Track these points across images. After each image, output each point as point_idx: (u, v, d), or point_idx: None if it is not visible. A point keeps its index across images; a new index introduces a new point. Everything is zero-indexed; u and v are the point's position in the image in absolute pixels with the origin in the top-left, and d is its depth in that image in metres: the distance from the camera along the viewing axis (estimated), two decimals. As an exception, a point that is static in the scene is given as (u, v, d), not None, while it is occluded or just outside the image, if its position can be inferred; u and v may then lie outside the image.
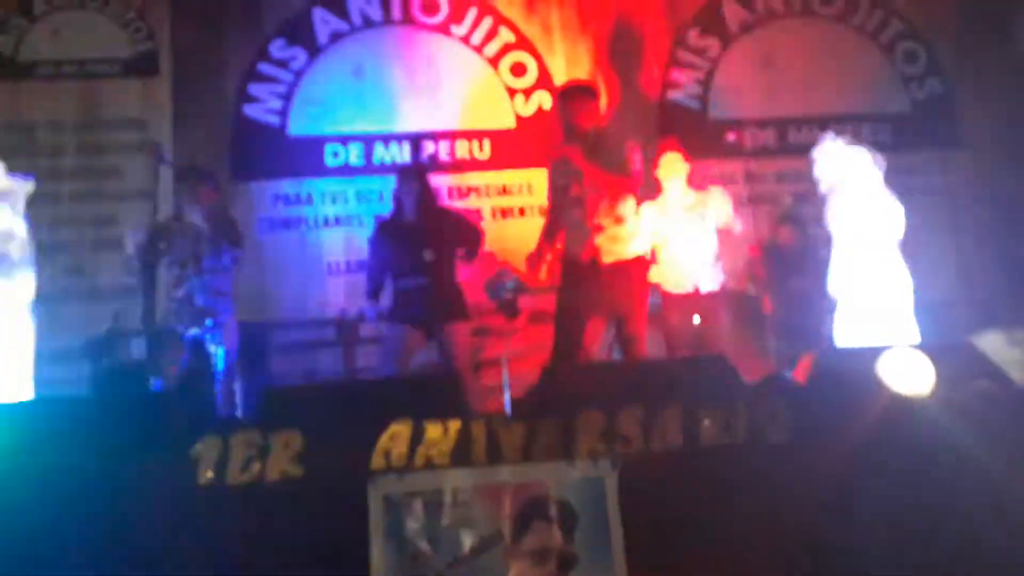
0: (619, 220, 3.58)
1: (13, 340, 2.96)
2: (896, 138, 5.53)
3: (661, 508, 2.44)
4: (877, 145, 3.54)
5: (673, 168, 4.08)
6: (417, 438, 2.49)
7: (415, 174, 4.27)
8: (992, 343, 3.12)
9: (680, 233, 3.99)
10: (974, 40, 5.71)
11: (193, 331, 3.89)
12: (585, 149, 3.62)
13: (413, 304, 3.97)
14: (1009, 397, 2.69)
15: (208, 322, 3.88)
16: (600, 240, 3.55)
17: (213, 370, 3.90)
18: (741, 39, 5.74)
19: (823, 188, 3.42)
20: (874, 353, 2.72)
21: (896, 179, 3.61)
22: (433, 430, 2.49)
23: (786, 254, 4.52)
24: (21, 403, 2.79)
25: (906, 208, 3.60)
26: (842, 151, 3.40)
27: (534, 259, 3.75)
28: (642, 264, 3.68)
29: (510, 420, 2.56)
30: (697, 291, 3.96)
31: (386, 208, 4.72)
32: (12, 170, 3.07)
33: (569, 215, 3.66)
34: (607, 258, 3.55)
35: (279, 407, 2.64)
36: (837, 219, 3.37)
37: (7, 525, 2.38)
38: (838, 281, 3.48)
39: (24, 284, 3.05)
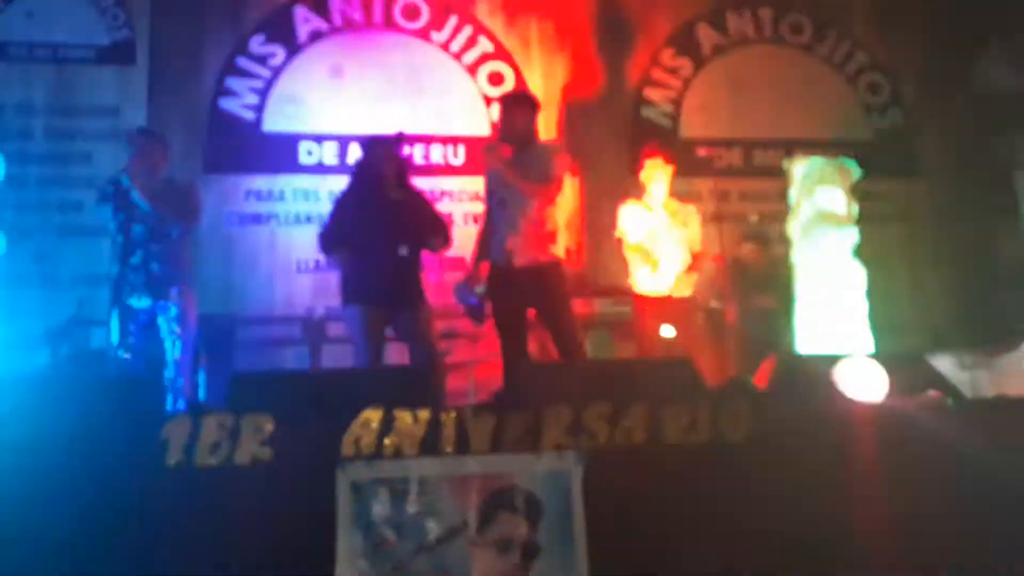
0: (535, 224, 3.61)
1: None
2: (857, 165, 5.72)
3: (624, 502, 2.49)
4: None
5: (656, 171, 4.22)
6: (387, 426, 2.51)
7: (396, 144, 3.98)
8: (943, 365, 3.26)
9: (661, 236, 4.12)
10: (935, 73, 5.95)
11: (146, 304, 3.73)
12: (511, 156, 3.66)
13: (377, 284, 3.69)
14: (957, 409, 2.81)
15: (166, 291, 3.72)
16: (514, 243, 3.59)
17: (170, 349, 3.74)
18: (713, 61, 5.90)
19: (790, 204, 3.55)
20: (831, 360, 2.83)
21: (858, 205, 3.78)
22: (403, 419, 2.52)
23: (749, 270, 4.68)
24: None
25: (865, 233, 3.77)
26: (810, 170, 3.53)
27: (474, 266, 3.75)
28: (557, 266, 3.66)
29: (479, 412, 2.60)
30: (670, 296, 4.07)
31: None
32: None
33: (496, 219, 3.70)
34: (526, 261, 3.58)
35: (249, 394, 2.65)
36: (801, 235, 3.51)
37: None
38: (799, 295, 3.62)
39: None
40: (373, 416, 2.51)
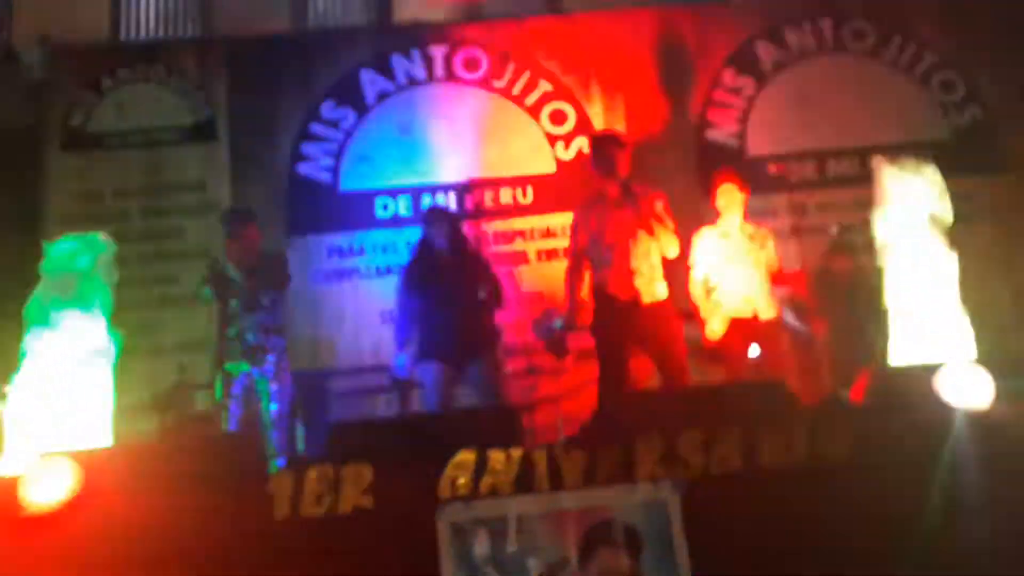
0: (655, 263, 3.86)
1: (95, 391, 3.13)
2: (937, 165, 5.54)
3: (725, 529, 2.46)
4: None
5: (731, 197, 4.27)
6: (481, 467, 2.56)
7: (443, 214, 4.44)
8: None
9: (740, 260, 4.15)
10: (1011, 64, 5.73)
11: (244, 368, 3.97)
12: (617, 196, 3.87)
13: (443, 340, 4.01)
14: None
15: (262, 359, 3.97)
16: (639, 282, 3.80)
17: (268, 408, 3.96)
18: (775, 77, 5.85)
19: (877, 210, 3.46)
20: (930, 369, 2.73)
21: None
22: (496, 459, 2.56)
23: (838, 281, 4.57)
24: (101, 449, 2.92)
25: (955, 234, 3.63)
26: (900, 174, 3.45)
27: (575, 302, 3.98)
28: (670, 304, 3.91)
29: (570, 447, 2.61)
30: (756, 317, 4.03)
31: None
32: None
33: (603, 257, 3.88)
34: (645, 299, 3.79)
35: (346, 442, 2.74)
36: (891, 241, 3.41)
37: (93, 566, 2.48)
38: (891, 304, 3.50)
39: (102, 338, 3.24)
40: (467, 457, 2.56)
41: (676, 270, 4.12)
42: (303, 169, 5.55)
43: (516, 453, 2.57)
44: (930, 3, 5.98)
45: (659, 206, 3.93)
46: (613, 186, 3.93)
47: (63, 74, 5.56)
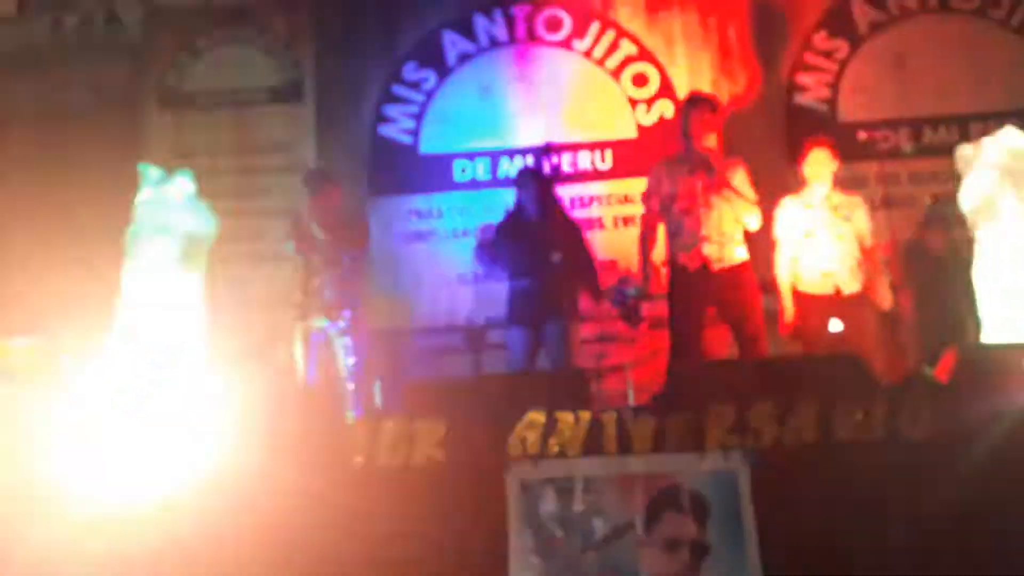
0: (727, 231, 3.77)
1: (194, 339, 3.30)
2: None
3: (795, 502, 2.44)
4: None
5: (820, 165, 4.07)
6: (551, 428, 2.59)
7: (532, 176, 4.51)
8: None
9: (826, 231, 3.98)
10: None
11: (322, 323, 4.11)
12: (702, 161, 3.79)
13: (528, 304, 4.10)
14: None
15: (339, 315, 4.09)
16: (709, 249, 3.74)
17: (344, 363, 4.10)
18: (871, 39, 5.58)
19: (972, 182, 3.30)
20: (1021, 350, 2.61)
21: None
22: (565, 420, 2.59)
23: (931, 255, 4.39)
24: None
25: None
26: (1000, 143, 3.28)
27: (648, 269, 3.97)
28: (748, 268, 3.82)
29: (640, 413, 2.62)
30: (839, 292, 3.90)
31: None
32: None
33: (678, 224, 3.82)
34: (716, 265, 3.74)
35: (422, 399, 2.82)
36: (986, 215, 3.25)
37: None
38: (983, 281, 3.35)
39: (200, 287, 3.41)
40: (537, 418, 2.60)
41: (758, 240, 4.02)
42: (384, 131, 5.63)
43: (585, 416, 2.60)
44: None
45: (738, 174, 3.83)
46: (687, 150, 3.85)
47: (161, 34, 5.77)
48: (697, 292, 3.74)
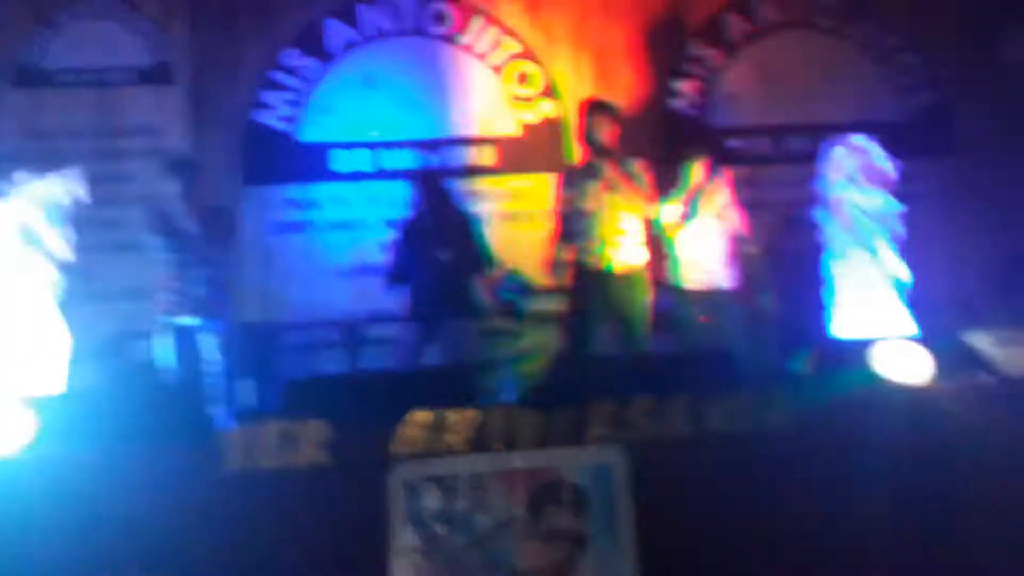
0: (626, 232, 3.94)
1: (47, 337, 3.07)
2: (891, 147, 5.66)
3: (670, 492, 2.54)
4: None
5: (695, 171, 4.34)
6: (436, 426, 2.59)
7: (423, 174, 4.63)
8: (979, 342, 3.23)
9: (699, 232, 4.25)
10: (970, 51, 5.86)
11: (188, 321, 3.98)
12: (607, 164, 3.93)
13: (422, 302, 4.17)
14: (1003, 389, 2.80)
15: (209, 311, 3.98)
16: (609, 250, 3.90)
17: (212, 361, 3.98)
18: (742, 50, 5.88)
19: (826, 187, 3.55)
20: (871, 344, 2.84)
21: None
22: (451, 418, 2.60)
23: (786, 257, 4.68)
24: (53, 396, 2.88)
25: (902, 212, 3.74)
26: (851, 152, 3.53)
27: (553, 265, 4.08)
28: (644, 271, 4.00)
29: (525, 409, 2.66)
30: (712, 288, 4.16)
31: (392, 213, 4.88)
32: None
33: (582, 225, 3.95)
34: (616, 267, 3.90)
35: (301, 399, 2.75)
36: (838, 218, 3.51)
37: (38, 517, 2.46)
38: (835, 280, 3.61)
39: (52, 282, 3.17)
40: (422, 417, 2.59)
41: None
42: (261, 117, 5.43)
43: (469, 413, 2.61)
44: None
45: (640, 176, 3.99)
46: (599, 153, 3.98)
47: (15, 7, 5.32)
48: (597, 291, 3.89)
